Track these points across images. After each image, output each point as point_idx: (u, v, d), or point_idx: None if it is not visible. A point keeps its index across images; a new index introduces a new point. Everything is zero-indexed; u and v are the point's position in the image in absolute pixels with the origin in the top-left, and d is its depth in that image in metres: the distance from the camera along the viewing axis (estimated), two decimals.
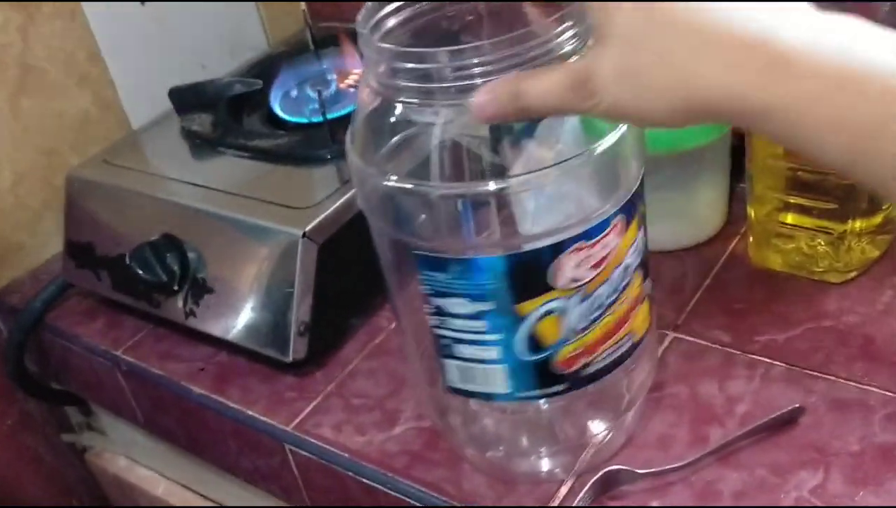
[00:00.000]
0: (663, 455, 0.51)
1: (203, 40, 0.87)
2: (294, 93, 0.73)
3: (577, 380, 0.46)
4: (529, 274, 0.42)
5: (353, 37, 0.77)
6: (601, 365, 0.46)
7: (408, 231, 0.44)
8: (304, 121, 0.70)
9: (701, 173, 0.63)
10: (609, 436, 0.51)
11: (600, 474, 0.49)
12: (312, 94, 0.72)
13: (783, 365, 0.55)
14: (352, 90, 0.70)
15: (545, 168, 0.41)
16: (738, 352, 0.56)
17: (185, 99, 0.73)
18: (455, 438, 0.53)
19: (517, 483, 0.51)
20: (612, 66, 0.35)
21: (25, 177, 0.76)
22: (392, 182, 0.42)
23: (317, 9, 0.92)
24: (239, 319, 0.61)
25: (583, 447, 0.51)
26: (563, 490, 0.50)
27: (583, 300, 0.43)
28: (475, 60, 0.39)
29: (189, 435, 0.68)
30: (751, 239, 0.63)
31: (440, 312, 0.45)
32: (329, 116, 0.67)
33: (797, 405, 0.51)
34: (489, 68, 0.39)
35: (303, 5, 0.93)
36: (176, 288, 0.63)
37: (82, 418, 0.86)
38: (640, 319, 0.48)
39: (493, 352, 0.45)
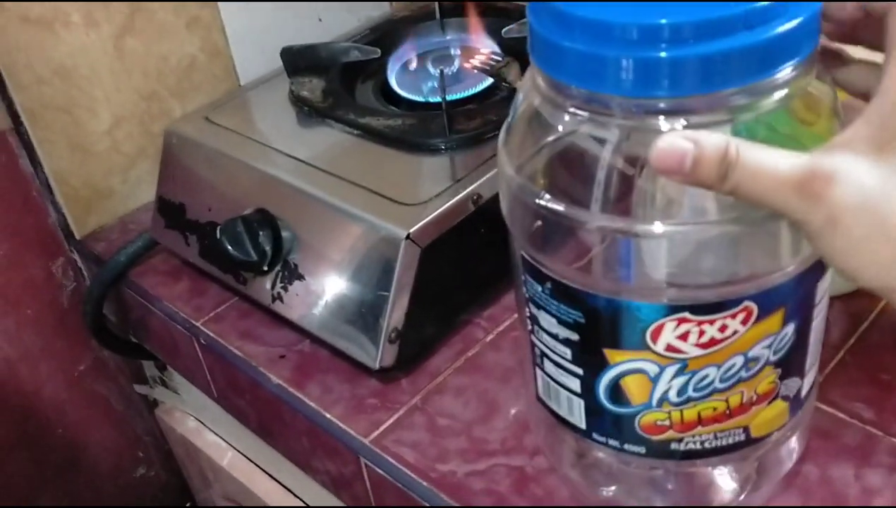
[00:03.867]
0: None
1: None
2: (413, 65, 0.67)
3: (662, 452, 0.41)
4: (626, 325, 0.37)
5: (482, 10, 0.71)
6: (695, 447, 0.41)
7: (531, 243, 0.39)
8: (421, 99, 0.65)
9: None
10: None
11: None
12: (433, 71, 0.66)
13: None
14: (475, 71, 0.64)
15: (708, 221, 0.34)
16: (882, 433, 0.49)
17: (297, 61, 0.68)
18: (562, 464, 0.48)
19: None
20: (864, 182, 0.29)
21: (123, 120, 0.73)
22: (544, 201, 0.36)
23: None
24: (328, 313, 0.56)
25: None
26: None
27: (681, 373, 0.37)
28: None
29: (261, 421, 0.64)
30: None
31: (535, 321, 0.41)
32: (449, 98, 0.61)
33: None
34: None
35: None
36: (266, 268, 0.59)
37: (157, 372, 0.83)
38: (768, 418, 0.41)
39: (574, 383, 0.41)
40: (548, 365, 0.42)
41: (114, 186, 0.74)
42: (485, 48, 0.65)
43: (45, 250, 0.73)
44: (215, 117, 0.67)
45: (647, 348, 0.37)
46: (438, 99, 0.63)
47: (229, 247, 0.58)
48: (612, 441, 0.42)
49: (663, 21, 0.30)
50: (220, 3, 0.75)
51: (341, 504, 0.62)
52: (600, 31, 0.31)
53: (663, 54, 0.30)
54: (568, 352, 0.40)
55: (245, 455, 0.77)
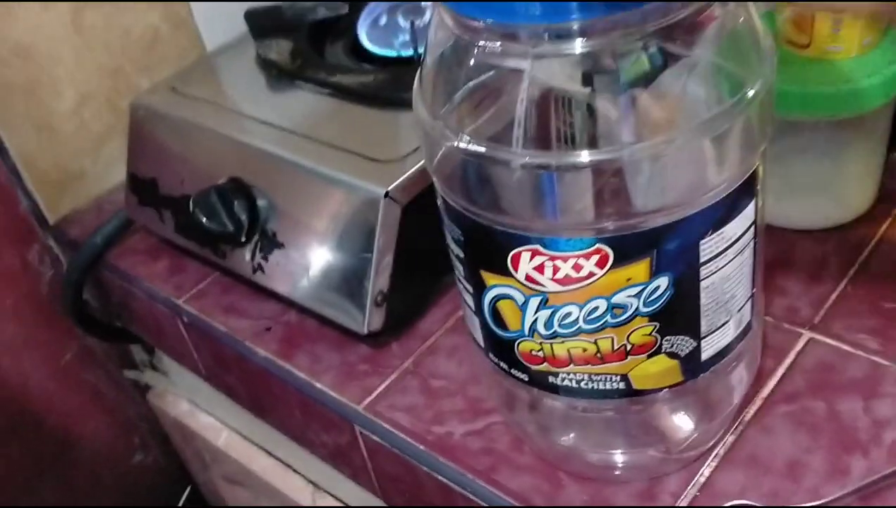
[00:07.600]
0: (793, 486, 0.43)
1: None
2: (384, 20, 0.65)
3: (542, 384, 0.41)
4: (492, 248, 0.37)
5: None
6: (571, 384, 0.41)
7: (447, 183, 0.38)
8: (393, 54, 0.62)
9: (855, 141, 0.53)
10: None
11: None
12: (404, 24, 0.63)
13: None
14: None
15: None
16: (889, 363, 0.48)
17: (263, 22, 0.65)
18: (518, 419, 0.47)
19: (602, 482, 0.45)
20: None
21: (89, 98, 0.70)
22: (464, 143, 0.35)
23: None
24: (311, 280, 0.55)
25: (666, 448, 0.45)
26: None
27: (544, 306, 0.38)
28: None
29: (252, 396, 0.62)
30: None
31: (446, 236, 0.41)
32: (422, 51, 0.59)
33: None
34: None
35: None
36: (243, 239, 0.57)
37: (146, 356, 0.81)
38: (651, 372, 0.40)
39: (471, 301, 0.41)
40: (458, 283, 0.43)
41: (85, 167, 0.72)
42: None
43: (18, 238, 0.71)
44: (182, 87, 0.65)
45: (511, 275, 0.37)
46: (411, 52, 0.60)
47: (203, 220, 0.56)
48: (503, 364, 0.42)
49: None
50: None
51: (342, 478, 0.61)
52: None
53: None
54: (462, 269, 0.41)
55: (241, 434, 0.75)
